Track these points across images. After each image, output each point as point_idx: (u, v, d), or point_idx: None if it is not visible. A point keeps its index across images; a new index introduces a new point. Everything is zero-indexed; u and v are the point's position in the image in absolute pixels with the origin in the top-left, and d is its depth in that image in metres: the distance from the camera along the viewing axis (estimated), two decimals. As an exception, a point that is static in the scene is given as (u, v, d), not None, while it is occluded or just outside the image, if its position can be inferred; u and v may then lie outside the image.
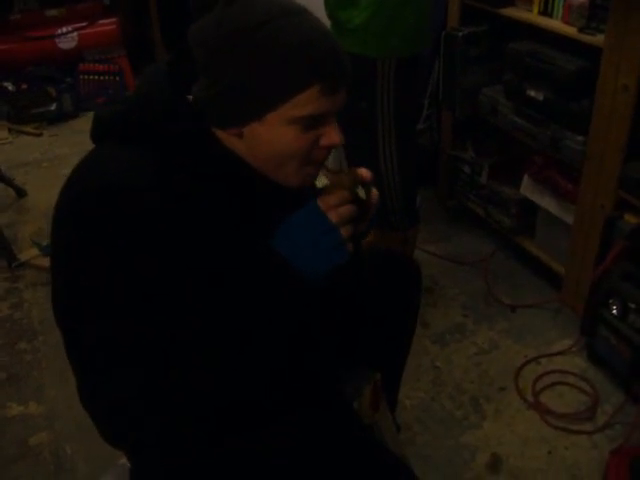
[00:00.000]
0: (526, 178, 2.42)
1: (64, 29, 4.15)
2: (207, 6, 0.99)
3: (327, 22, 2.14)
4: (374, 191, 1.08)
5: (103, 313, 0.94)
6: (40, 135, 3.94)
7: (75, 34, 4.17)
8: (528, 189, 2.43)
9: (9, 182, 3.19)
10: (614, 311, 1.95)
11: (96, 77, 4.10)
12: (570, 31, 2.05)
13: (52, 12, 4.21)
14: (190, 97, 1.03)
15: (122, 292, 0.93)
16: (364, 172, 1.06)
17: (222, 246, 1.02)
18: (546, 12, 2.17)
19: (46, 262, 2.62)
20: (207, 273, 1.00)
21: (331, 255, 0.98)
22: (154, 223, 0.94)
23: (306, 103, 0.97)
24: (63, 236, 0.99)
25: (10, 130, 3.96)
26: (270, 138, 1.00)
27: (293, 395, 1.14)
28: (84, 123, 3.96)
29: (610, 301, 1.96)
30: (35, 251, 2.76)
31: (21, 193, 3.21)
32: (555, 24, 2.12)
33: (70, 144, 3.77)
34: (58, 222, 1.00)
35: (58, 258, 1.01)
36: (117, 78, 4.23)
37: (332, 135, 1.03)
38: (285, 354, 1.02)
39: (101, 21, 4.21)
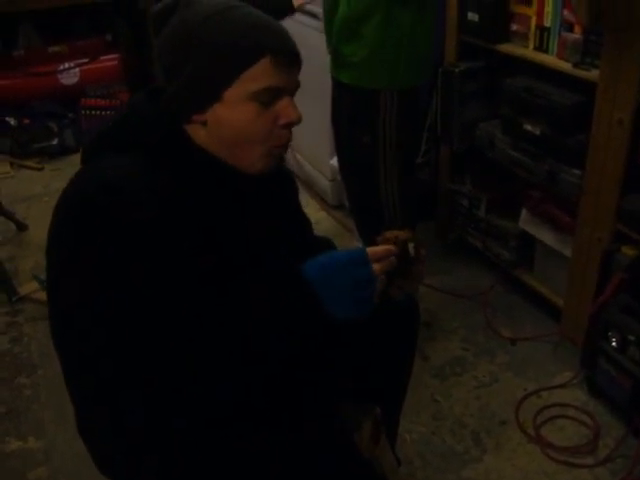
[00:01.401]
0: (524, 211, 2.44)
1: (66, 65, 4.20)
2: (163, 18, 1.08)
3: (323, 63, 2.18)
4: (423, 251, 1.12)
5: (100, 323, 0.95)
6: (42, 169, 3.96)
7: (77, 70, 4.22)
8: (526, 222, 2.45)
9: (10, 216, 3.21)
10: (614, 344, 1.95)
11: (98, 112, 4.14)
12: (565, 66, 2.08)
13: (55, 48, 4.27)
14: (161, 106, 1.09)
15: (119, 298, 0.95)
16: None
17: (214, 244, 1.06)
18: (541, 48, 2.20)
19: (46, 296, 2.62)
20: (201, 272, 1.02)
21: (359, 306, 1.01)
22: (147, 224, 0.97)
23: (260, 76, 1.04)
24: (59, 243, 1.01)
25: (12, 164, 3.99)
26: (231, 118, 1.05)
27: (292, 423, 1.14)
28: (85, 157, 3.98)
29: (609, 334, 1.96)
30: (35, 285, 2.76)
31: (22, 227, 3.23)
32: (550, 60, 2.15)
33: (71, 178, 3.78)
34: (54, 234, 1.03)
35: (54, 263, 1.03)
36: (118, 113, 4.25)
37: (290, 111, 1.08)
38: (282, 372, 1.03)
39: (103, 57, 4.26)
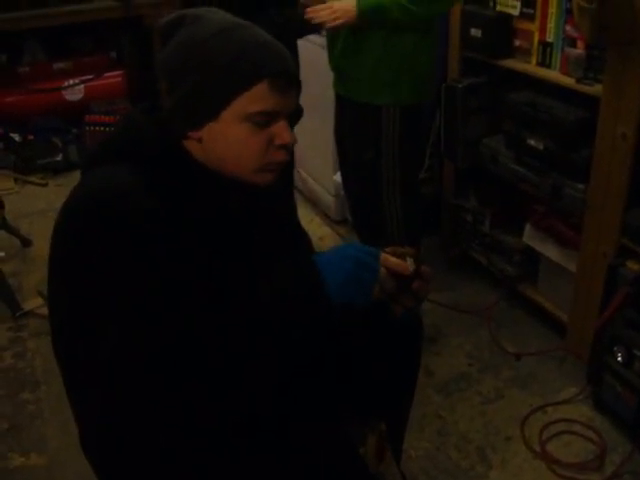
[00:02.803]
0: (528, 226, 2.44)
1: (71, 81, 4.23)
2: (170, 31, 1.09)
3: (326, 80, 2.19)
4: (425, 268, 1.12)
5: (107, 332, 0.94)
6: (46, 185, 3.97)
7: (82, 86, 4.24)
8: (530, 237, 2.44)
9: (15, 232, 3.21)
10: (619, 359, 1.94)
11: (102, 128, 4.14)
12: (568, 81, 2.09)
13: (60, 65, 4.30)
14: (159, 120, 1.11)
15: (123, 305, 0.95)
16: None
17: (213, 253, 1.06)
18: (544, 63, 2.21)
19: (50, 311, 2.62)
20: (202, 280, 1.03)
21: (357, 288, 1.02)
22: (149, 233, 0.98)
23: (257, 99, 1.05)
24: (62, 254, 1.02)
25: (16, 180, 4.00)
26: (226, 137, 1.07)
27: (298, 438, 1.14)
28: (89, 173, 3.99)
29: (615, 348, 1.95)
30: (39, 301, 2.75)
31: (26, 243, 3.23)
32: (553, 75, 2.16)
33: (75, 194, 3.79)
34: (56, 245, 1.03)
35: (57, 274, 1.03)
36: (123, 129, 4.27)
37: (284, 134, 1.09)
38: (291, 378, 1.02)
39: (108, 74, 4.29)
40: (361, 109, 2.01)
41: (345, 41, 1.97)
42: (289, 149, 1.12)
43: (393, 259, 1.07)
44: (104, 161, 1.07)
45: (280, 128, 1.09)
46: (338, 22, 1.88)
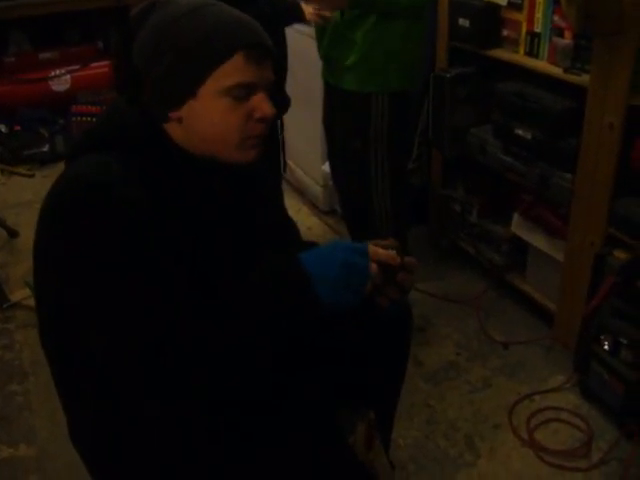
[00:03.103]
0: (516, 216, 2.44)
1: (57, 71, 4.19)
2: (141, 20, 1.10)
3: (315, 70, 2.19)
4: (410, 259, 1.13)
5: (98, 321, 0.95)
6: (32, 176, 3.95)
7: (68, 77, 4.22)
8: (518, 227, 2.45)
9: (1, 223, 3.19)
10: (606, 347, 1.96)
11: (89, 119, 4.12)
12: (556, 71, 2.09)
13: (46, 55, 4.27)
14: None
15: (113, 292, 0.95)
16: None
17: (197, 238, 1.07)
18: (532, 53, 2.21)
19: (38, 303, 2.61)
20: (189, 265, 1.03)
21: (348, 293, 1.02)
22: (134, 219, 0.98)
23: (233, 72, 1.05)
24: (48, 244, 1.02)
25: (2, 171, 3.97)
26: (206, 113, 1.07)
27: (287, 426, 1.14)
28: (77, 164, 3.97)
29: (602, 337, 1.97)
30: (27, 292, 2.74)
31: (13, 234, 3.21)
32: (541, 64, 2.17)
33: (62, 185, 3.77)
34: (42, 235, 1.04)
35: (43, 264, 1.04)
36: (110, 120, 4.25)
37: (264, 107, 1.10)
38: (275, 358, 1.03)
39: (94, 64, 4.26)
40: (350, 97, 2.01)
41: (334, 29, 1.97)
42: (268, 122, 1.12)
43: (382, 251, 1.07)
44: (88, 150, 1.07)
45: (258, 101, 1.09)
46: (333, 6, 1.88)
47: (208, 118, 1.07)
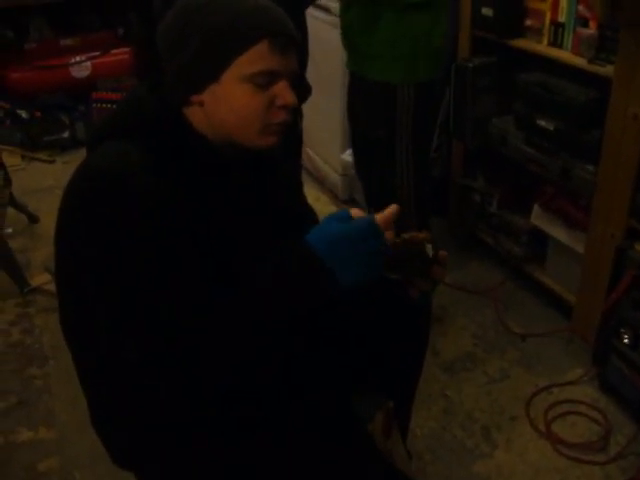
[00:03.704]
0: (536, 207, 2.43)
1: (78, 58, 4.21)
2: (165, 7, 1.11)
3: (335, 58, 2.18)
4: (443, 253, 1.12)
5: (116, 307, 0.96)
6: (53, 162, 3.98)
7: (89, 63, 4.23)
8: (538, 218, 2.44)
9: (22, 208, 3.21)
10: (626, 340, 1.94)
11: (109, 105, 4.13)
12: (580, 62, 2.07)
13: (67, 41, 4.28)
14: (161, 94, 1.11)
15: (132, 279, 0.95)
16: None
17: (214, 227, 1.07)
18: (556, 43, 2.19)
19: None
20: (204, 253, 1.03)
21: (368, 273, 0.99)
22: (152, 208, 0.98)
23: (257, 59, 1.06)
24: (69, 231, 1.04)
25: (23, 157, 4.00)
26: (228, 98, 1.07)
27: (307, 415, 1.15)
28: (96, 151, 3.99)
29: (622, 330, 1.95)
30: (47, 277, 2.77)
31: (34, 219, 3.24)
32: (565, 55, 2.15)
33: (82, 171, 3.79)
34: (63, 222, 1.05)
35: (64, 252, 1.06)
36: (130, 107, 4.26)
37: (286, 95, 1.10)
38: (294, 344, 1.03)
39: (115, 50, 4.27)
40: (375, 87, 1.99)
41: (359, 19, 1.96)
42: (290, 110, 1.12)
43: (387, 212, 1.04)
44: (108, 137, 1.08)
45: (281, 88, 1.09)
46: None
47: (229, 103, 1.08)
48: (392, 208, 1.05)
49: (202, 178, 1.09)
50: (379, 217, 1.02)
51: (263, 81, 1.07)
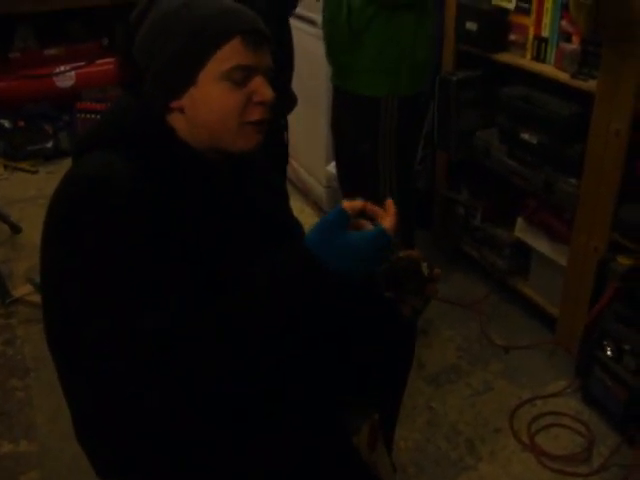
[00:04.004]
0: (520, 220, 2.45)
1: (62, 68, 4.19)
2: (141, 20, 1.13)
3: (320, 71, 2.18)
4: (437, 271, 1.13)
5: (103, 315, 0.95)
6: (36, 172, 3.94)
7: (73, 73, 4.20)
8: (522, 231, 2.45)
9: (4, 218, 3.19)
10: (609, 352, 1.96)
11: (93, 115, 4.11)
12: (563, 76, 2.09)
13: (51, 51, 4.25)
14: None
15: (119, 287, 0.95)
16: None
17: (199, 234, 1.07)
18: (539, 58, 2.22)
19: (40, 298, 2.61)
20: (191, 260, 1.03)
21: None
22: (138, 217, 0.99)
23: (231, 56, 1.08)
24: (55, 241, 1.03)
25: (6, 167, 3.97)
26: (206, 99, 1.09)
27: (292, 426, 1.14)
28: (80, 161, 3.98)
29: (605, 342, 1.97)
30: (29, 288, 2.74)
31: (16, 230, 3.21)
32: (548, 69, 2.17)
33: (66, 181, 3.77)
34: (49, 233, 1.04)
35: (50, 262, 1.04)
36: (114, 117, 4.25)
37: (262, 90, 1.11)
38: (293, 343, 1.02)
39: (99, 61, 4.26)
40: (359, 101, 2.01)
41: (344, 34, 1.97)
42: (267, 105, 1.13)
43: (356, 203, 1.07)
44: (93, 147, 1.08)
45: (257, 84, 1.11)
46: None
47: (208, 104, 1.09)
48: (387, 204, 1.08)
49: (188, 185, 1.09)
50: (386, 221, 1.04)
51: (239, 77, 1.09)
